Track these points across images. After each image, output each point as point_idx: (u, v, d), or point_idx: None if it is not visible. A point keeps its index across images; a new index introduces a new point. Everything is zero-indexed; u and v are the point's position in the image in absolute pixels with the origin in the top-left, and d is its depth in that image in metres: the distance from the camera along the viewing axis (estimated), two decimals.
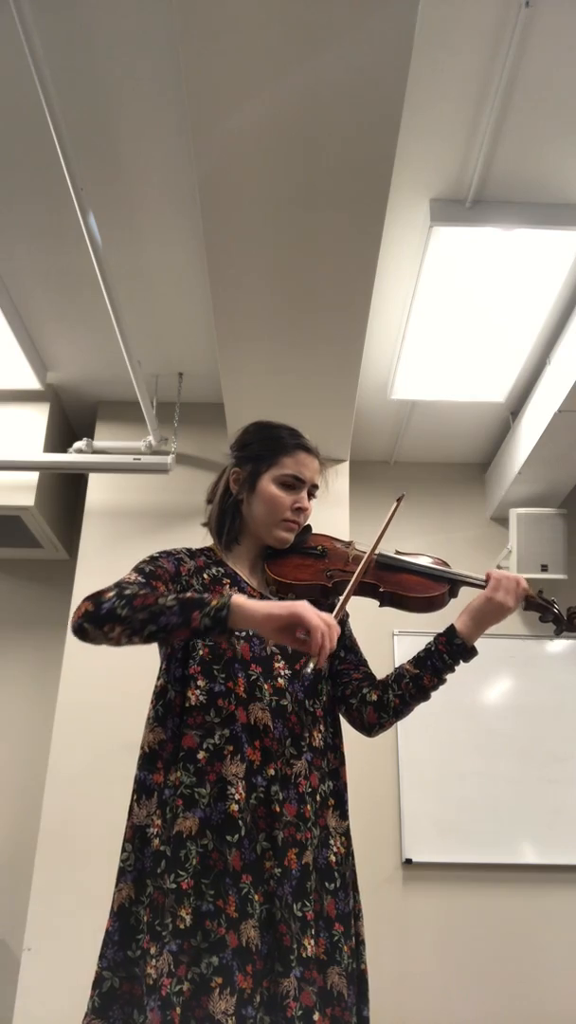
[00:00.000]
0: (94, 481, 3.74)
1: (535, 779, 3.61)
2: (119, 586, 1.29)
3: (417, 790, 3.59)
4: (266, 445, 1.54)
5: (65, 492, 3.94)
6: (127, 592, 1.25)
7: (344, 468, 3.75)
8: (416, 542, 4.37)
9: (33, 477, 3.57)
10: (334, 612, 1.30)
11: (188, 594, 1.27)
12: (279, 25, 1.85)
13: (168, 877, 1.25)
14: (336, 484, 3.71)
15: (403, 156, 2.40)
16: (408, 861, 3.49)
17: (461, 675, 1.49)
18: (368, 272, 2.57)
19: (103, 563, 3.57)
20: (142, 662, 3.35)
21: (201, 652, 1.38)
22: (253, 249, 2.51)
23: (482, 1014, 3.30)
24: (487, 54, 2.18)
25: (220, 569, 1.49)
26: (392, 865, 3.51)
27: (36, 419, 3.69)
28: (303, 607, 1.21)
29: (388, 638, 3.73)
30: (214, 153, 2.18)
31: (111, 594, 1.25)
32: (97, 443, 3.65)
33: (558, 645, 3.84)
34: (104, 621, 1.23)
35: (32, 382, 3.57)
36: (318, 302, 2.72)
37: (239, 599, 1.22)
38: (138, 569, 1.39)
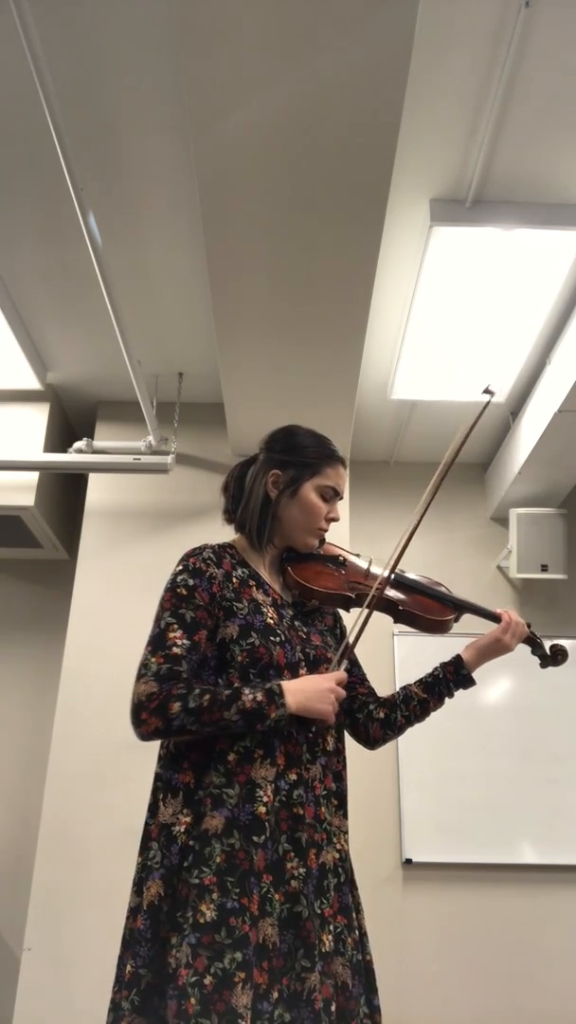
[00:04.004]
0: (94, 481, 3.74)
1: (535, 779, 3.61)
2: (171, 684, 1.33)
3: (417, 790, 3.59)
4: (312, 453, 1.59)
5: (65, 492, 3.94)
6: (191, 706, 1.30)
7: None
8: (416, 542, 4.35)
9: (33, 477, 3.57)
10: (353, 635, 1.48)
11: (242, 697, 1.32)
12: (279, 25, 1.85)
13: (193, 872, 1.28)
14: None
15: (403, 156, 2.40)
16: (408, 861, 3.49)
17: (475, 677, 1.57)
18: (368, 272, 2.57)
19: (103, 563, 3.57)
20: None
21: (239, 658, 1.41)
22: (253, 249, 2.51)
23: (482, 1014, 3.30)
24: (487, 54, 2.18)
25: (245, 570, 1.52)
26: (392, 865, 3.51)
27: (36, 419, 3.69)
28: (330, 707, 1.38)
29: (388, 638, 3.73)
30: (214, 153, 2.18)
31: (176, 707, 1.30)
32: (97, 443, 3.65)
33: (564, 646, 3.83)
34: (173, 735, 1.32)
35: (32, 382, 3.57)
36: (318, 302, 2.72)
37: (290, 702, 1.34)
38: (178, 616, 1.40)
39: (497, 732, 3.67)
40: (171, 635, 1.38)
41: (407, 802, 3.57)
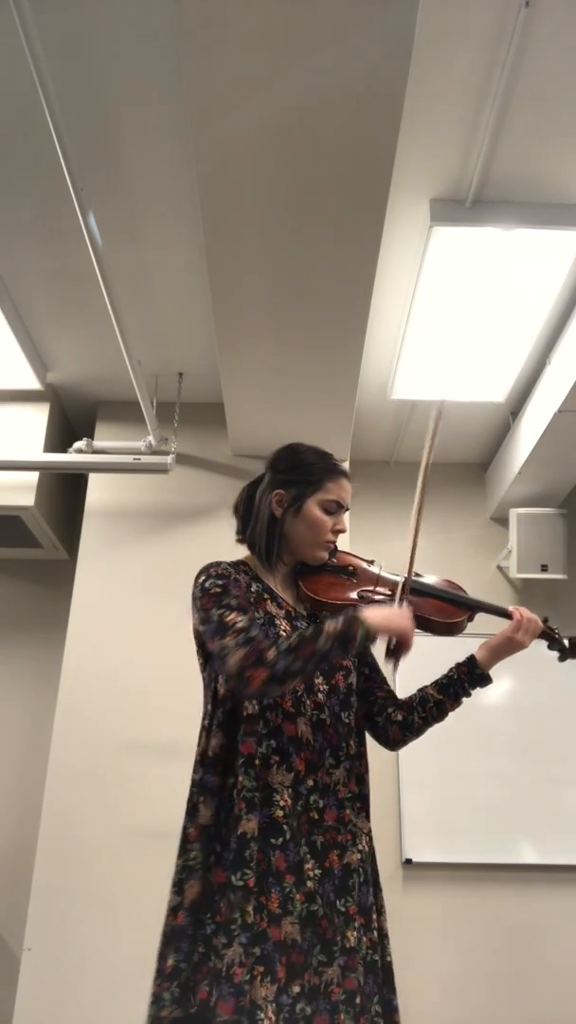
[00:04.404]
0: (94, 481, 3.74)
1: (535, 779, 3.61)
2: (255, 641, 1.37)
3: (417, 790, 3.59)
4: (311, 470, 1.63)
5: (65, 492, 3.94)
6: (284, 647, 1.35)
7: (344, 468, 3.74)
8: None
9: (33, 477, 3.57)
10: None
11: (325, 627, 1.37)
12: (279, 25, 1.85)
13: (235, 875, 1.34)
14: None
15: (403, 156, 2.40)
16: (408, 861, 3.49)
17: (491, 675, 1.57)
18: (368, 272, 2.57)
19: (103, 563, 3.57)
20: (141, 662, 3.36)
21: None
22: (253, 249, 2.51)
23: (482, 1014, 3.30)
24: (487, 54, 2.18)
25: (258, 585, 1.57)
26: (392, 865, 3.50)
27: (36, 419, 3.69)
28: (407, 624, 1.44)
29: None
30: (214, 153, 2.18)
31: (271, 654, 1.35)
32: (97, 443, 3.65)
33: None
34: (287, 680, 1.35)
35: (32, 382, 3.57)
36: (318, 302, 2.72)
37: (369, 618, 1.39)
38: (225, 606, 1.44)
39: (497, 732, 3.67)
40: (228, 618, 1.42)
41: (407, 802, 3.57)
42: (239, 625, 1.40)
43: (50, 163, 2.27)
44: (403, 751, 3.64)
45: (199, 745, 1.49)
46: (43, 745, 3.48)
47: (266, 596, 1.56)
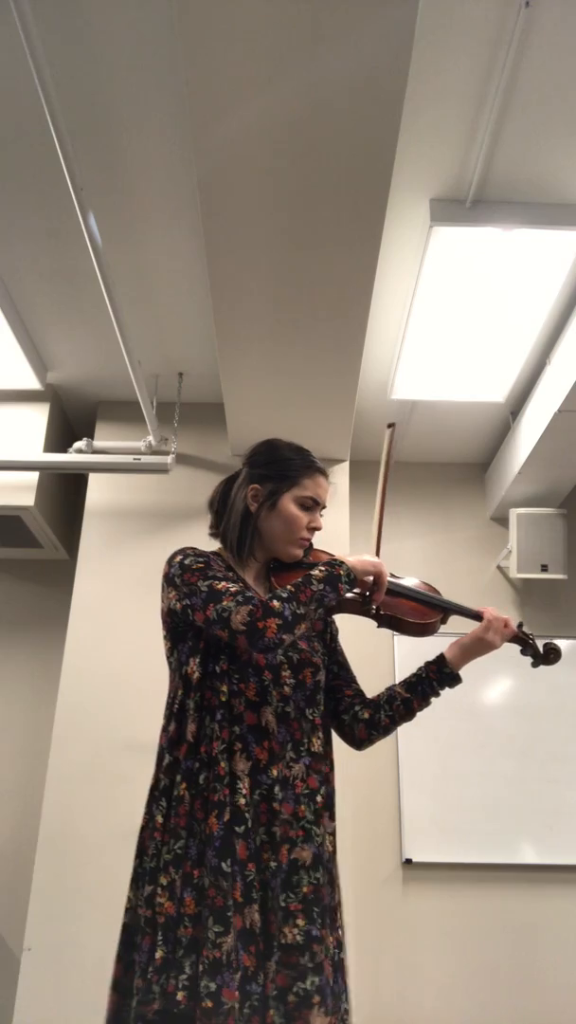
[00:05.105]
0: (94, 481, 3.74)
1: (535, 779, 3.61)
2: (254, 596, 1.40)
3: (417, 790, 3.59)
4: (288, 466, 1.62)
5: (65, 492, 3.94)
6: (284, 595, 1.40)
7: (344, 468, 3.75)
8: (416, 542, 4.36)
9: (33, 477, 3.57)
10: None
11: (311, 574, 1.44)
12: (279, 25, 1.85)
13: (225, 862, 1.33)
14: (337, 484, 3.71)
15: (403, 156, 2.40)
16: (408, 861, 3.49)
17: (461, 675, 1.55)
18: (368, 272, 2.57)
19: (103, 563, 3.57)
20: (141, 662, 3.36)
21: (222, 656, 1.46)
22: (253, 249, 2.51)
23: (483, 1013, 3.30)
24: (487, 54, 2.18)
25: (233, 575, 1.57)
26: (392, 865, 3.51)
27: (36, 419, 3.69)
28: (381, 563, 1.51)
29: (389, 638, 3.73)
30: (214, 153, 2.18)
31: (276, 604, 1.38)
32: (97, 443, 3.65)
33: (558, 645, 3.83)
34: (295, 624, 1.38)
35: (32, 382, 3.57)
36: (318, 302, 2.72)
37: (346, 559, 1.48)
38: (213, 576, 1.46)
39: (497, 732, 3.67)
40: (219, 585, 1.43)
41: (407, 802, 3.57)
42: (232, 589, 1.41)
43: (50, 163, 2.27)
44: (403, 751, 3.68)
45: (166, 731, 1.47)
46: (43, 744, 3.48)
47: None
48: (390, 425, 1.66)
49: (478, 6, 2.05)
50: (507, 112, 2.34)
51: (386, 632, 4.03)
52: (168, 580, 1.50)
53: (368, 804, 3.53)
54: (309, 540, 1.62)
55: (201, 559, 1.50)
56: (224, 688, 1.43)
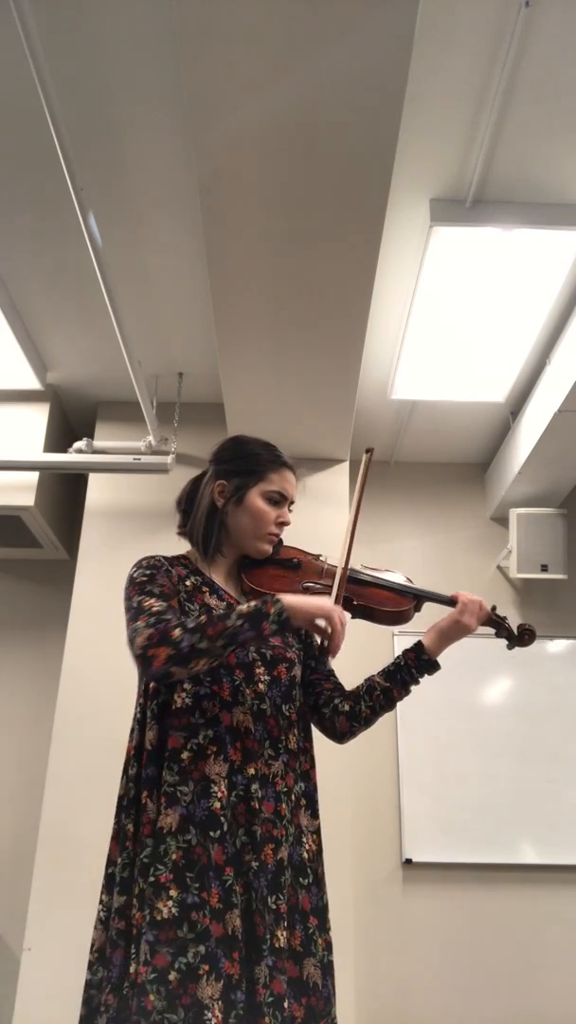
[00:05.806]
0: (94, 481, 3.74)
1: (535, 779, 3.61)
2: (165, 622, 1.34)
3: (417, 790, 3.59)
4: (254, 460, 1.60)
5: (65, 492, 3.94)
6: (191, 626, 1.32)
7: (344, 468, 3.75)
8: (416, 542, 4.36)
9: (33, 477, 3.57)
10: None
11: (241, 608, 1.35)
12: (279, 25, 1.85)
13: (150, 870, 1.30)
14: (336, 484, 3.71)
15: (403, 156, 2.40)
16: (408, 861, 3.49)
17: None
18: (368, 272, 2.57)
19: (103, 563, 3.57)
20: None
21: None
22: (253, 249, 2.51)
23: (482, 1014, 3.30)
24: (487, 54, 2.18)
25: (198, 578, 1.55)
26: (392, 865, 3.51)
27: (36, 419, 3.69)
28: (331, 606, 1.41)
29: (388, 638, 3.72)
30: (214, 153, 2.18)
31: (176, 633, 1.32)
32: (97, 443, 3.65)
33: (558, 645, 3.84)
34: (190, 659, 1.31)
35: (32, 382, 3.57)
36: (318, 302, 2.72)
37: (287, 599, 1.36)
38: (147, 592, 1.43)
39: (497, 732, 3.67)
40: (146, 603, 1.40)
41: (407, 802, 3.57)
42: (155, 609, 1.38)
43: (50, 163, 2.27)
44: (403, 751, 3.68)
45: (131, 740, 1.46)
46: (43, 744, 3.48)
47: (205, 589, 1.53)
48: (368, 450, 1.63)
49: (478, 6, 2.05)
50: (507, 112, 2.34)
51: (386, 632, 4.05)
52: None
53: (368, 804, 3.53)
54: (278, 535, 1.60)
55: (148, 571, 1.48)
56: (184, 693, 1.41)
